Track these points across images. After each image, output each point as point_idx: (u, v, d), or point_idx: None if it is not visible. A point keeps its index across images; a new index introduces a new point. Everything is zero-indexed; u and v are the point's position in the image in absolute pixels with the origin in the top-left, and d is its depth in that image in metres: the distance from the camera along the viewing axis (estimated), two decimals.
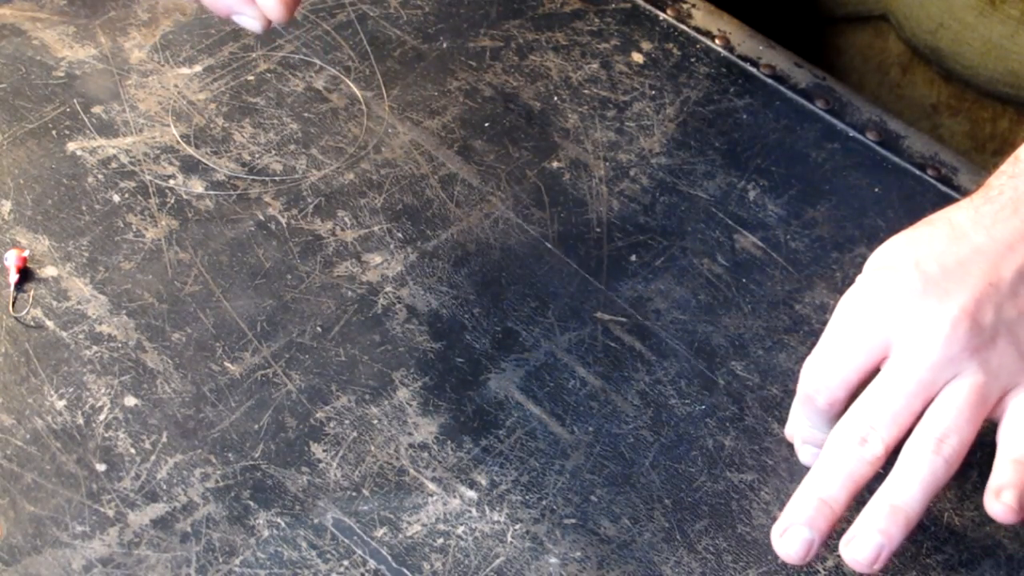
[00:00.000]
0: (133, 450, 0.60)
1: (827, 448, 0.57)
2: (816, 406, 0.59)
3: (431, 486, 0.60)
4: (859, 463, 0.56)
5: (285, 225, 0.69)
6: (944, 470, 0.56)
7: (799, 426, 0.61)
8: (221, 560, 0.57)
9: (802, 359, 0.66)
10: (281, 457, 0.60)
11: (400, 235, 0.69)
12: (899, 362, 0.57)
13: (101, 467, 0.59)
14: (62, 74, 0.74)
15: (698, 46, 0.80)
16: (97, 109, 0.72)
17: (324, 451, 0.61)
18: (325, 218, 0.69)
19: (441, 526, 0.59)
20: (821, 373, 0.59)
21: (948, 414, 0.56)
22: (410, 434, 0.62)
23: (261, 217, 0.69)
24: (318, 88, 0.75)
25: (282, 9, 0.60)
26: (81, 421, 0.60)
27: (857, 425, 0.56)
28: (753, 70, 0.79)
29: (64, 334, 0.63)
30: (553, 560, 0.58)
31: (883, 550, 0.55)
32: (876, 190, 0.74)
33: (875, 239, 0.71)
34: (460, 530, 0.59)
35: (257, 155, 0.71)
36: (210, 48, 0.76)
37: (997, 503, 0.56)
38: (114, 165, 0.70)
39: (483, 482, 0.60)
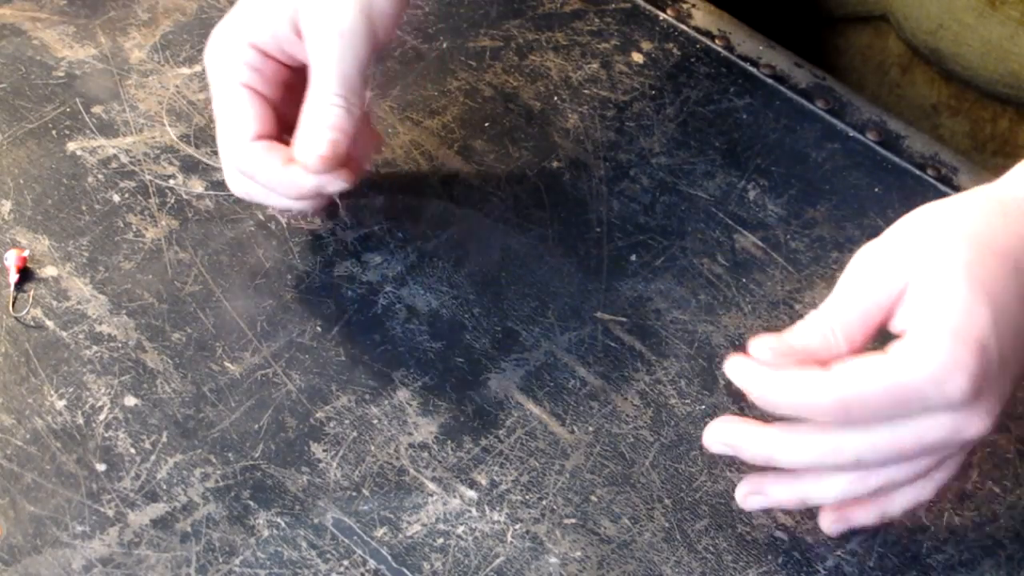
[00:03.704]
0: (133, 450, 0.60)
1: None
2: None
3: (431, 486, 0.60)
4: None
5: (285, 225, 0.69)
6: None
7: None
8: (221, 560, 0.57)
9: None
10: (281, 457, 0.60)
11: (400, 235, 0.69)
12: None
13: (101, 467, 0.59)
14: (62, 74, 0.74)
15: (698, 46, 0.80)
16: (97, 109, 0.73)
17: (324, 451, 0.61)
18: (325, 218, 0.69)
19: (441, 526, 0.59)
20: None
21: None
22: (410, 434, 0.62)
23: (261, 217, 0.69)
24: None
25: (329, 161, 0.61)
26: (81, 421, 0.60)
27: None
28: (753, 70, 0.79)
29: (64, 334, 0.63)
30: (553, 560, 0.58)
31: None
32: (876, 190, 0.74)
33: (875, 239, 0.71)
34: (460, 530, 0.59)
35: None
36: None
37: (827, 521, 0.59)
38: (114, 165, 0.70)
39: (483, 482, 0.60)
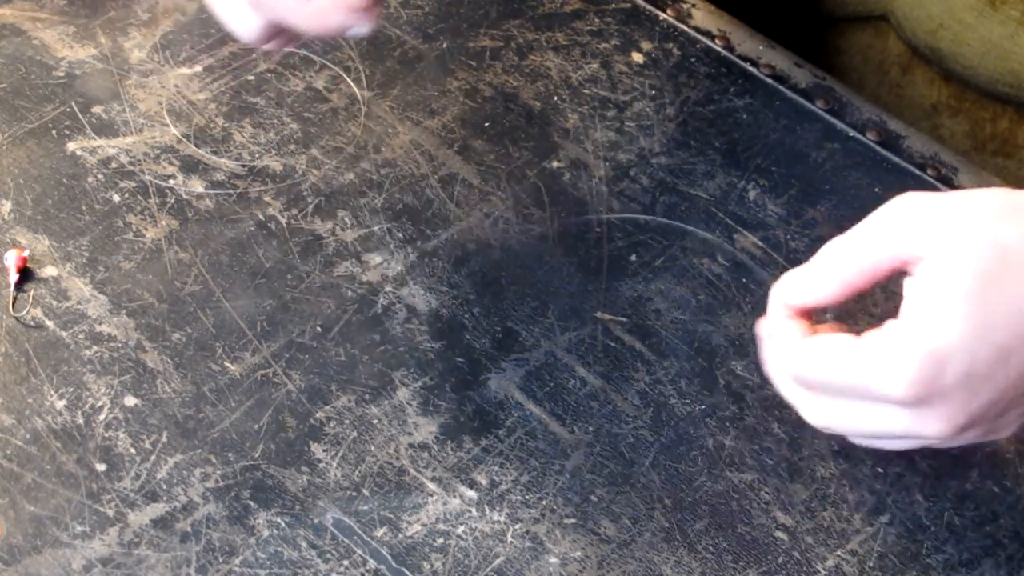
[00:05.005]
0: (133, 450, 0.60)
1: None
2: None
3: (431, 486, 0.60)
4: None
5: (285, 225, 0.69)
6: None
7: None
8: (221, 560, 0.57)
9: None
10: (281, 457, 0.60)
11: (400, 235, 0.69)
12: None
13: (101, 467, 0.59)
14: (62, 74, 0.74)
15: (698, 46, 0.80)
16: (97, 109, 0.73)
17: (324, 451, 0.61)
18: (325, 218, 0.69)
19: (441, 526, 0.59)
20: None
21: None
22: (410, 434, 0.62)
23: (261, 217, 0.69)
24: (318, 88, 0.75)
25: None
26: (81, 421, 0.61)
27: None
28: (753, 70, 0.79)
29: (64, 334, 0.63)
30: (553, 560, 0.58)
31: None
32: (876, 190, 0.74)
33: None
34: (460, 530, 0.59)
35: (257, 155, 0.71)
36: (210, 48, 0.76)
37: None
38: (114, 165, 0.70)
39: (483, 482, 0.60)
